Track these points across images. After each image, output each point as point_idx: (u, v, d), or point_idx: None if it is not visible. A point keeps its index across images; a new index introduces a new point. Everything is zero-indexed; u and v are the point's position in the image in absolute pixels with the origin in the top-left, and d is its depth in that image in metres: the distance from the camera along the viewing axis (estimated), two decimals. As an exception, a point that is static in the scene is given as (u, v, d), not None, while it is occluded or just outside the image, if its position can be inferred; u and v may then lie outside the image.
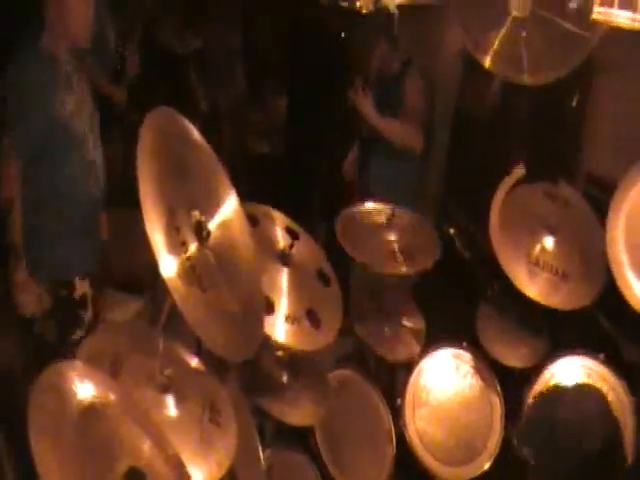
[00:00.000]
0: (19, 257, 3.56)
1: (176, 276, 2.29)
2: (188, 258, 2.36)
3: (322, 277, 3.28)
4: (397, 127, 4.63)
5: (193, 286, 2.35)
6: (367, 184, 4.89)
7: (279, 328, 2.94)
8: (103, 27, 4.88)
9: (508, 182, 3.56)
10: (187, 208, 2.45)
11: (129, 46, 5.04)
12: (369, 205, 3.83)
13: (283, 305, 3.00)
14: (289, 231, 3.27)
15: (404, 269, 3.53)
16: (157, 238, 2.27)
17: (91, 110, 3.80)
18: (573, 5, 3.30)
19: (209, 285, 2.42)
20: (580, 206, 3.72)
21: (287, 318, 2.98)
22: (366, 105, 4.64)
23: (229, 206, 2.65)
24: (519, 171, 3.55)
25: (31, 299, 3.65)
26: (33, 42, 3.64)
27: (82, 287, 3.79)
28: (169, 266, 2.28)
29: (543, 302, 3.49)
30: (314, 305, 3.11)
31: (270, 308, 2.96)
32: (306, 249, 3.28)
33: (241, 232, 2.66)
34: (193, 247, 2.41)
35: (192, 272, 2.36)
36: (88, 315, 3.83)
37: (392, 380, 3.80)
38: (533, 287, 3.50)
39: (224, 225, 2.58)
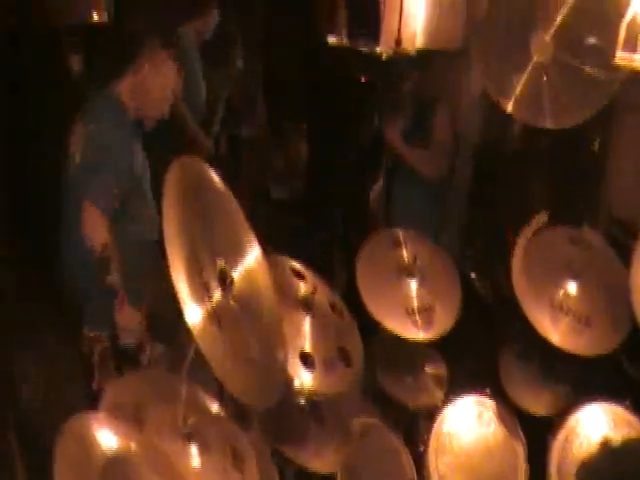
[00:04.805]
0: (122, 296, 3.59)
1: (200, 323, 2.29)
2: (212, 306, 2.36)
3: (335, 311, 3.26)
4: (420, 154, 4.83)
5: (217, 333, 2.35)
6: (392, 214, 4.96)
7: (320, 378, 2.94)
8: (197, 79, 5.06)
9: (530, 229, 3.54)
10: (211, 256, 2.45)
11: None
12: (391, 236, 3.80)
13: (318, 353, 2.98)
14: (294, 272, 3.26)
15: (421, 334, 3.52)
16: (182, 285, 2.27)
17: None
18: (593, 45, 3.31)
19: (232, 333, 2.41)
20: (604, 250, 3.69)
21: (325, 365, 2.97)
22: (394, 133, 4.86)
23: (253, 256, 2.65)
24: (541, 218, 3.53)
25: (135, 330, 3.72)
26: (106, 88, 3.74)
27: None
28: (194, 313, 2.28)
29: (566, 348, 3.45)
30: (341, 343, 3.11)
31: (309, 361, 2.95)
32: (317, 287, 3.23)
33: (264, 282, 2.67)
34: (217, 295, 2.41)
35: (216, 320, 2.36)
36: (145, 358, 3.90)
37: (414, 427, 3.76)
38: (556, 333, 3.47)
39: (248, 274, 2.58)
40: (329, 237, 5.89)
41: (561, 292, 3.57)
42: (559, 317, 3.51)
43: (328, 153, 6.20)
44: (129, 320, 3.66)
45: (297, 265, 3.30)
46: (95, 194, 3.55)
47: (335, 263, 5.23)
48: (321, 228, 6.03)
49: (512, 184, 4.75)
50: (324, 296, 3.26)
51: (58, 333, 4.25)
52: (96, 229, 3.54)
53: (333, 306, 3.26)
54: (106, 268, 3.52)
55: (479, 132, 5.13)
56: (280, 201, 6.66)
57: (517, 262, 3.48)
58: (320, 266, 3.40)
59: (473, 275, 4.25)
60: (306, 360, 2.93)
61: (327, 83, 6.13)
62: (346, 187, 5.91)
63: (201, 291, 2.34)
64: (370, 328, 3.47)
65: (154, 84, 3.73)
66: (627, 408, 3.51)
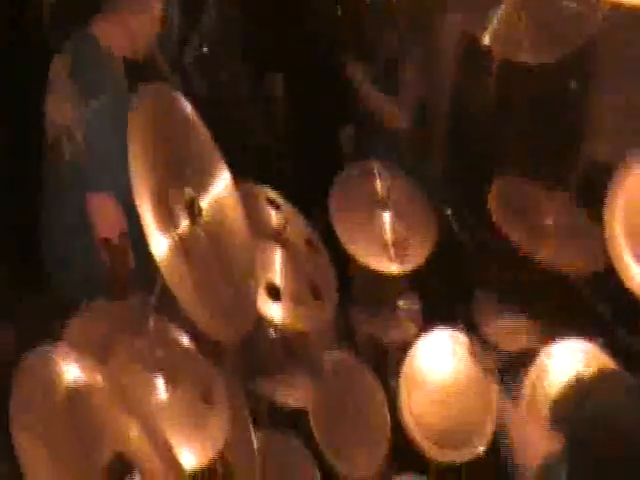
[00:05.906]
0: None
1: (166, 253, 2.25)
2: (179, 236, 2.31)
3: (310, 246, 3.25)
4: (385, 101, 4.70)
5: (184, 264, 2.30)
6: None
7: (287, 311, 2.91)
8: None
9: None
10: (180, 186, 2.40)
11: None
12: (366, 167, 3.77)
13: (287, 286, 2.95)
14: (270, 202, 3.22)
15: (395, 268, 3.50)
16: (147, 215, 2.22)
17: None
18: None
19: (200, 263, 2.37)
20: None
21: (294, 298, 2.94)
22: (360, 74, 4.77)
23: (222, 184, 2.59)
24: None
25: None
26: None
27: None
28: (160, 244, 2.23)
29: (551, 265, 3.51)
30: (313, 278, 3.08)
31: (276, 294, 2.92)
32: (291, 220, 3.22)
33: (234, 211, 2.61)
34: (185, 225, 2.36)
35: (183, 250, 2.31)
36: None
37: (387, 362, 3.76)
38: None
39: (217, 203, 2.53)
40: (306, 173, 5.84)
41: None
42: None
43: (306, 99, 6.15)
44: None
45: (272, 194, 3.26)
46: (110, 183, 3.26)
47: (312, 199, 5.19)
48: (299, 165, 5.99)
49: (489, 127, 4.73)
50: (299, 229, 3.23)
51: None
52: (113, 219, 3.28)
53: (308, 240, 3.24)
54: (124, 259, 3.26)
55: (455, 77, 5.09)
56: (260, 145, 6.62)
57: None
58: (297, 200, 3.37)
59: (449, 211, 4.22)
60: (273, 292, 2.89)
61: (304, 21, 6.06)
62: (323, 131, 5.86)
63: (168, 221, 2.29)
64: (344, 263, 3.46)
65: (139, 21, 3.46)
66: (599, 346, 3.53)
